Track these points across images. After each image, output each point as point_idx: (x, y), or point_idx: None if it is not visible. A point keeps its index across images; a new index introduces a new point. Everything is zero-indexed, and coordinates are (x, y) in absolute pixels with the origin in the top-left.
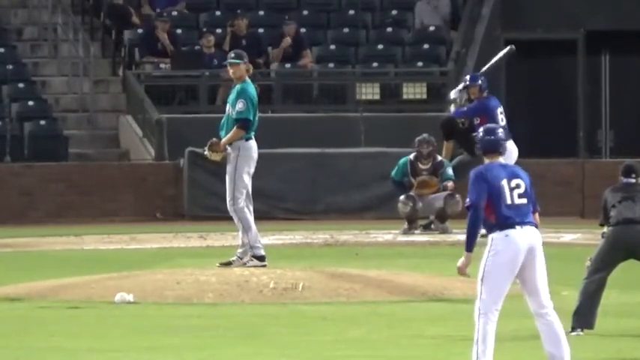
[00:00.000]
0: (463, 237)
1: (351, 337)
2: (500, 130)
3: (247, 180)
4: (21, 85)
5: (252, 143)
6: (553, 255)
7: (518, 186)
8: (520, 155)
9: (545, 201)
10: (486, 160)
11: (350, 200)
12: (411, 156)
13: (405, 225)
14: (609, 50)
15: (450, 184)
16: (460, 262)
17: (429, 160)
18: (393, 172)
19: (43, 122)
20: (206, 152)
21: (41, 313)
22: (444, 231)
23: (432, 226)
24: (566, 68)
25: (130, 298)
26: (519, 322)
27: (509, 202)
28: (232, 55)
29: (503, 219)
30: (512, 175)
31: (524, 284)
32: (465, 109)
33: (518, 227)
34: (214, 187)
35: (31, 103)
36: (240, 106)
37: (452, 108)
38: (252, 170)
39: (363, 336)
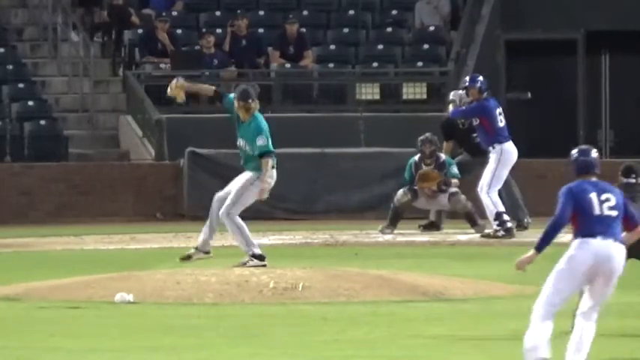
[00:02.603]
0: (463, 237)
1: (351, 337)
2: (595, 151)
3: (251, 202)
4: (21, 85)
5: (274, 171)
6: (553, 255)
7: (608, 199)
8: (520, 155)
9: (546, 201)
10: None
11: (350, 200)
12: (416, 157)
13: (386, 223)
14: (609, 50)
15: (454, 180)
16: (524, 256)
17: (432, 160)
18: (405, 175)
19: (43, 122)
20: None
21: (41, 313)
22: (480, 231)
23: (441, 226)
24: (566, 68)
25: (130, 298)
26: (519, 322)
27: (597, 212)
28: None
29: (587, 228)
30: (602, 190)
31: (590, 291)
32: (464, 108)
33: (599, 237)
34: (214, 187)
35: (31, 103)
36: (260, 142)
37: (450, 107)
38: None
39: (363, 336)
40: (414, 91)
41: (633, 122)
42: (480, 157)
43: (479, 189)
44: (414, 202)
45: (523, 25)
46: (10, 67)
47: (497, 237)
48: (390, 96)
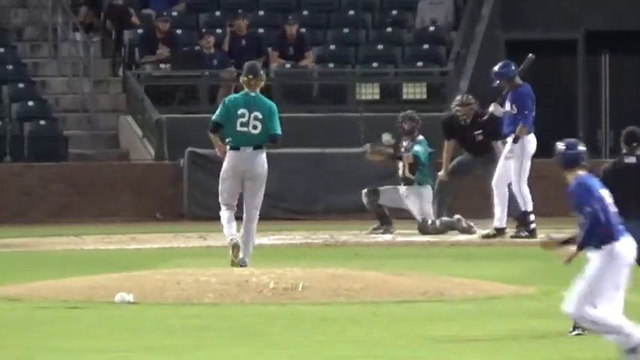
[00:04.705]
0: (463, 237)
1: (351, 337)
2: (582, 144)
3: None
4: (21, 85)
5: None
6: (553, 255)
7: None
8: None
9: (546, 201)
10: (575, 174)
11: (350, 200)
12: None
13: (376, 225)
14: (609, 50)
15: (409, 156)
16: (567, 251)
17: (410, 137)
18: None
19: (43, 122)
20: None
21: (41, 313)
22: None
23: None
24: (566, 68)
25: (130, 298)
26: (519, 322)
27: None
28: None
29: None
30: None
31: None
32: (526, 113)
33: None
34: (214, 187)
35: (31, 103)
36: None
37: (498, 111)
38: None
39: (363, 336)
40: (414, 91)
41: (633, 122)
42: (481, 156)
43: (512, 186)
44: (378, 200)
45: (523, 25)
46: (10, 67)
47: (519, 237)
48: (390, 96)
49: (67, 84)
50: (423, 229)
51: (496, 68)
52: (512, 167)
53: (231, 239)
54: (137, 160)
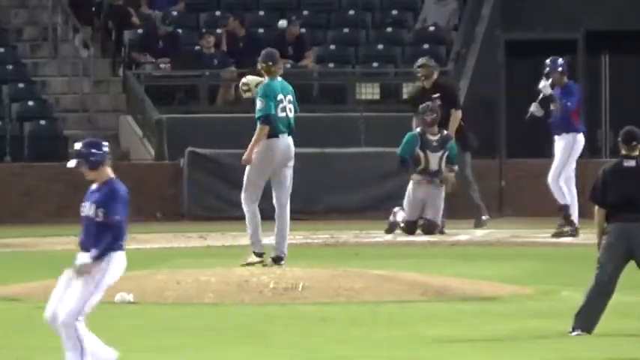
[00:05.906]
0: (463, 237)
1: (351, 337)
2: (105, 141)
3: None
4: (21, 85)
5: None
6: (553, 255)
7: None
8: (520, 155)
9: (546, 201)
10: (105, 174)
11: (350, 200)
12: (418, 130)
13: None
14: (609, 50)
15: (453, 171)
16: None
17: (432, 129)
18: (400, 150)
19: (43, 122)
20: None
21: (41, 313)
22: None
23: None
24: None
25: (130, 298)
26: (519, 322)
27: None
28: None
29: None
30: None
31: None
32: (569, 103)
33: None
34: (214, 187)
35: (31, 103)
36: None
37: (534, 108)
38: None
39: (363, 336)
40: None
41: (633, 122)
42: (443, 126)
43: (549, 180)
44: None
45: (523, 25)
46: (10, 67)
47: (563, 234)
48: (390, 96)
49: (67, 84)
50: (432, 230)
51: (548, 61)
52: (556, 162)
53: (261, 257)
54: (137, 160)
